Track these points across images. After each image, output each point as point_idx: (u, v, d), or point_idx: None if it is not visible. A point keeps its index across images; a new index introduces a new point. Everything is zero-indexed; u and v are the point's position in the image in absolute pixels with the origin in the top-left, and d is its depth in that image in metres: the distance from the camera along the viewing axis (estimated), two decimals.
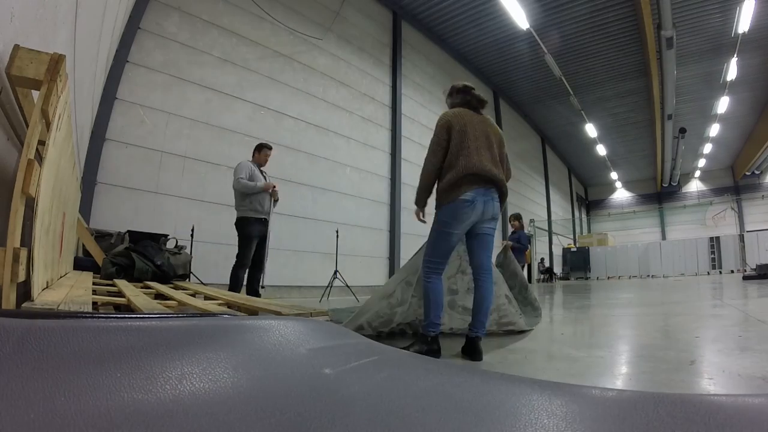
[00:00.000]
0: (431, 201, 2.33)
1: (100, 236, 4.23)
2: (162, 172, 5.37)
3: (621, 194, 27.55)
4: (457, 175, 2.13)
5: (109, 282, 2.98)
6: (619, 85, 14.51)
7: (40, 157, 1.37)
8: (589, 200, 28.53)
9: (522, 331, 2.99)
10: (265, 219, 3.96)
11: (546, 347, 2.55)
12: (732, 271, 17.45)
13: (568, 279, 20.41)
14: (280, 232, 6.76)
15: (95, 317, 0.51)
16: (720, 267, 18.08)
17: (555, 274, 18.69)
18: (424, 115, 10.72)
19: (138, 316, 0.55)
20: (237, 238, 3.87)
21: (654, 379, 1.66)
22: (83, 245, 4.00)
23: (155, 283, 3.31)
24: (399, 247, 9.11)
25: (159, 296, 2.52)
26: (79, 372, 0.36)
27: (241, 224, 3.87)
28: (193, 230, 5.09)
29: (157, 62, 5.48)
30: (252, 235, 3.85)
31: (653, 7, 9.72)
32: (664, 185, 24.55)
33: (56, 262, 2.00)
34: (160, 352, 0.42)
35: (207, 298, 2.55)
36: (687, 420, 0.35)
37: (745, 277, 11.41)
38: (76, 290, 1.87)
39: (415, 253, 2.93)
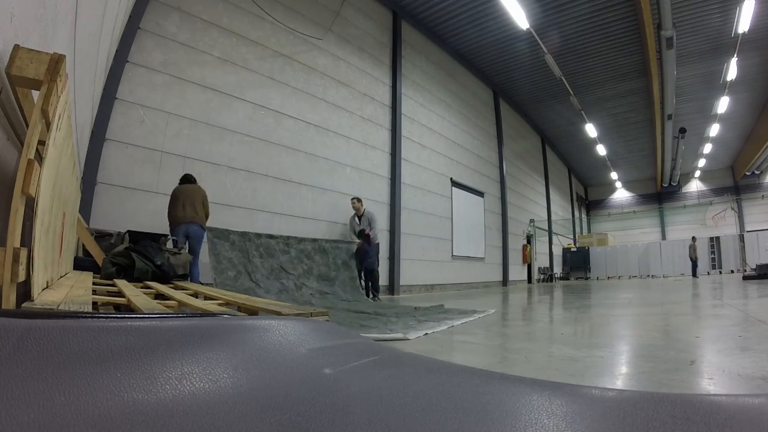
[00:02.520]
0: None
1: (100, 236, 4.23)
2: (162, 172, 5.36)
3: (621, 194, 27.56)
4: None
5: (109, 282, 2.98)
6: (619, 85, 14.51)
7: (40, 157, 1.37)
8: (589, 200, 28.54)
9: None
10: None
11: (546, 347, 2.55)
12: (732, 271, 17.47)
13: (568, 279, 20.42)
14: (281, 232, 6.75)
15: (95, 317, 0.51)
16: (720, 267, 18.09)
17: (546, 271, 18.57)
18: (424, 115, 10.73)
19: (138, 316, 0.55)
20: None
21: (654, 379, 1.66)
22: (83, 245, 4.00)
23: (155, 283, 3.31)
24: (399, 246, 9.12)
25: (159, 296, 2.51)
26: (79, 372, 0.36)
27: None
28: None
29: (157, 62, 5.48)
30: None
31: (653, 7, 9.72)
32: (664, 185, 24.56)
33: (56, 262, 2.00)
34: (160, 352, 0.42)
35: (207, 298, 2.55)
36: (687, 420, 0.35)
37: (745, 277, 11.42)
38: (76, 290, 1.87)
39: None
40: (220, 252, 5.21)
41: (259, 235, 5.79)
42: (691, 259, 16.31)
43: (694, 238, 16.80)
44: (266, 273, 5.56)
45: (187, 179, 5.08)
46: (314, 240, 6.55)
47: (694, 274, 16.11)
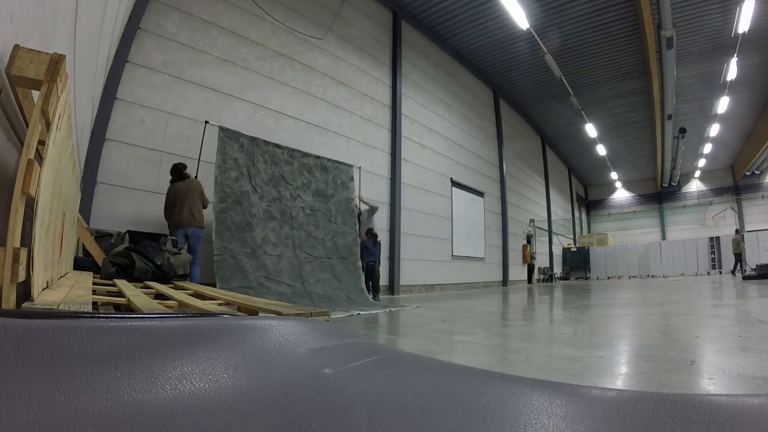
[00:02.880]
0: None
1: (100, 236, 4.23)
2: (162, 172, 5.36)
3: (621, 194, 27.55)
4: None
5: (109, 282, 2.98)
6: (619, 85, 14.51)
7: (40, 157, 1.37)
8: (589, 200, 28.54)
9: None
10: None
11: (546, 347, 2.55)
12: (732, 271, 17.45)
13: (568, 279, 20.42)
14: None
15: (95, 317, 0.51)
16: (720, 267, 18.09)
17: (546, 271, 18.53)
18: (424, 115, 10.72)
19: (138, 316, 0.55)
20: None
21: (654, 379, 1.66)
22: (83, 245, 4.00)
23: (155, 283, 3.31)
24: (399, 246, 9.11)
25: (159, 296, 2.51)
26: (79, 372, 0.36)
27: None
28: None
29: (157, 62, 5.48)
30: None
31: (653, 7, 9.72)
32: (664, 185, 24.55)
33: (56, 262, 2.00)
34: (160, 352, 0.42)
35: (207, 298, 2.55)
36: (687, 420, 0.35)
37: (745, 277, 11.43)
38: (76, 290, 1.87)
39: None
40: (228, 152, 5.42)
41: (267, 143, 6.00)
42: (734, 254, 14.94)
43: (738, 231, 15.39)
44: (266, 179, 5.80)
45: (179, 174, 4.86)
46: (318, 157, 6.72)
47: (734, 272, 15.04)
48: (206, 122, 5.57)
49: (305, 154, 6.51)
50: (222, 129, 5.44)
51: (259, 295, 5.08)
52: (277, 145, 6.14)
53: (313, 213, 6.25)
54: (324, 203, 6.49)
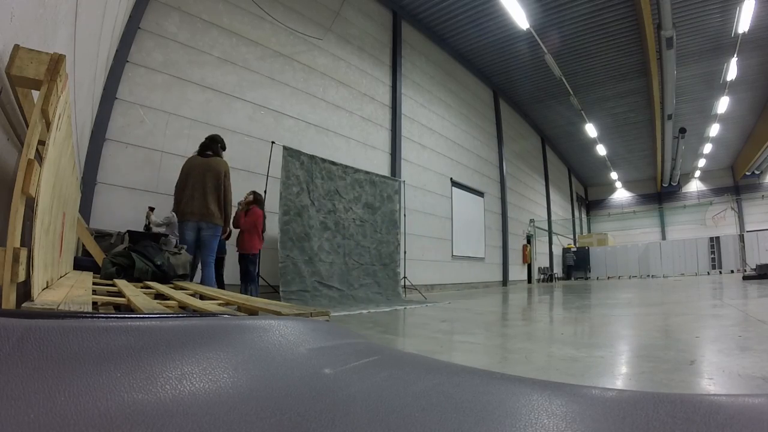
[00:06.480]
0: None
1: (100, 236, 4.23)
2: (162, 172, 5.36)
3: (621, 194, 27.54)
4: None
5: (109, 282, 2.98)
6: (619, 85, 14.50)
7: (40, 157, 1.37)
8: (589, 200, 28.53)
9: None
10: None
11: (546, 347, 2.55)
12: (732, 271, 17.46)
13: (568, 279, 20.42)
14: None
15: (95, 317, 0.51)
16: (720, 267, 18.09)
17: (546, 271, 18.50)
18: (424, 115, 10.72)
19: (138, 316, 0.55)
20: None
21: (654, 379, 1.66)
22: (83, 245, 3.99)
23: (155, 283, 3.30)
24: None
25: (159, 296, 2.51)
26: (79, 372, 0.36)
27: None
28: None
29: (157, 62, 5.48)
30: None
31: (653, 7, 9.72)
32: (664, 185, 24.55)
33: (56, 262, 2.00)
34: (160, 352, 0.42)
35: (207, 298, 2.54)
36: (687, 420, 0.35)
37: (745, 277, 11.43)
38: (76, 290, 1.87)
39: None
40: (290, 169, 5.88)
41: (324, 160, 6.53)
42: None
43: None
44: (323, 194, 6.32)
45: (204, 147, 4.06)
46: (367, 172, 7.36)
47: None
48: (273, 143, 5.97)
49: (357, 170, 7.09)
50: (285, 148, 5.90)
51: (313, 298, 5.57)
52: (333, 162, 6.66)
53: (362, 224, 6.84)
54: (372, 215, 7.08)
